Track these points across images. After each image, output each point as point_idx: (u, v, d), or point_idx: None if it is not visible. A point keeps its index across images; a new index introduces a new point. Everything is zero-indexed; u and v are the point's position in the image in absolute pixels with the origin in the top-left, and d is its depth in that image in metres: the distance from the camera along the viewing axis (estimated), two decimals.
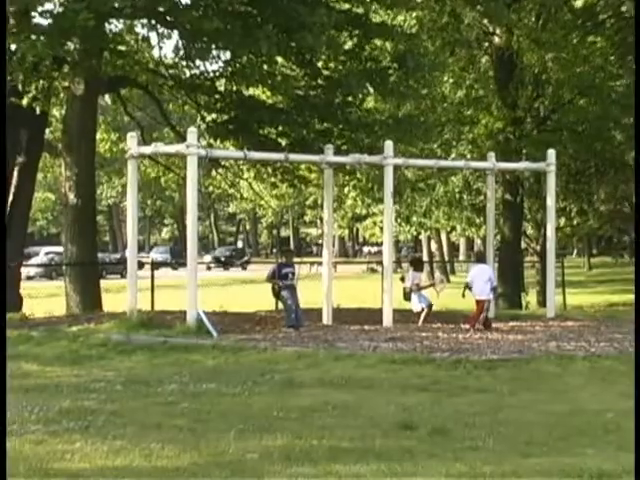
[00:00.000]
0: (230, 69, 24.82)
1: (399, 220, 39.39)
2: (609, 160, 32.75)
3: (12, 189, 24.13)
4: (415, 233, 50.08)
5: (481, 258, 21.87)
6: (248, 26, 21.27)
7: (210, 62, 25.05)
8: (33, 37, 20.39)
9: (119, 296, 23.51)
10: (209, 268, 71.27)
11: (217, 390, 12.03)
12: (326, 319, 21.12)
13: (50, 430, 9.41)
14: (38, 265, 58.57)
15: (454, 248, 72.71)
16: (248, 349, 16.07)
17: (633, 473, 7.69)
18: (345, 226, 68.62)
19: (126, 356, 15.44)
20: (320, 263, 22.31)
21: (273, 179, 28.46)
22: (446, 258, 61.54)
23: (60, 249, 31.28)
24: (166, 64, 26.82)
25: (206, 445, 8.79)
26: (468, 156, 30.89)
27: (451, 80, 32.24)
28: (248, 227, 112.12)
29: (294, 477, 7.59)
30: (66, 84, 23.59)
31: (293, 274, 20.45)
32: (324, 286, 21.58)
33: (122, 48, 24.61)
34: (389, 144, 20.90)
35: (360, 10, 24.55)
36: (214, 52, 23.67)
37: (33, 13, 21.52)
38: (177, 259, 61.18)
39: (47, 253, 64.76)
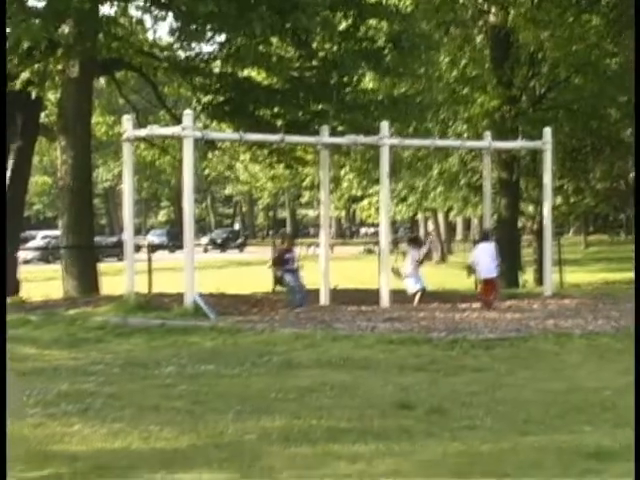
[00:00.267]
0: (225, 51, 24.76)
1: (395, 200, 39.37)
2: (605, 138, 32.72)
3: (8, 173, 24.11)
4: (412, 214, 50.04)
5: (485, 237, 21.82)
6: (242, 8, 21.20)
7: (205, 44, 25.03)
8: (28, 20, 20.34)
9: (116, 279, 23.50)
10: (206, 250, 71.23)
11: (215, 372, 12.05)
12: (323, 300, 21.13)
13: (48, 413, 9.43)
14: (35, 249, 58.49)
15: (451, 228, 72.69)
16: (246, 331, 16.08)
17: (630, 449, 7.71)
18: (342, 207, 68.47)
19: (124, 339, 15.45)
20: (317, 244, 22.32)
21: (269, 161, 28.44)
22: (443, 238, 61.53)
23: (57, 233, 31.27)
24: (161, 46, 26.77)
25: (204, 427, 8.80)
26: (464, 136, 30.85)
27: (446, 59, 32.16)
28: (244, 209, 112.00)
29: (292, 458, 7.60)
30: (61, 67, 23.53)
31: (294, 259, 20.67)
32: (321, 267, 21.59)
33: (117, 31, 24.53)
34: (385, 125, 20.88)
35: None
36: (209, 34, 23.61)
37: None
38: (174, 242, 61.17)
39: (44, 237, 64.66)
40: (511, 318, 17.95)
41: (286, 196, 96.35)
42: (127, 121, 20.60)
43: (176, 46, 25.62)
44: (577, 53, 30.49)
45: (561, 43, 30.14)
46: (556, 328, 16.21)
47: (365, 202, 49.66)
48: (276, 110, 25.35)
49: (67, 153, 23.55)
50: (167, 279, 25.03)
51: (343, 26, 24.75)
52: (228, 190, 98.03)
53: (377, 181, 24.82)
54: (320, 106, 25.07)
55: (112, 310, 18.68)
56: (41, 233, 67.17)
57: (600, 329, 16.12)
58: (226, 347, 14.47)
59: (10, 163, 24.21)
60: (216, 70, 25.76)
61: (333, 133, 22.28)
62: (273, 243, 21.83)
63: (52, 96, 27.15)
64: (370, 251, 56.24)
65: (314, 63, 24.61)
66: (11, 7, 20.27)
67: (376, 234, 34.66)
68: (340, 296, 21.71)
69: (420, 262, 21.52)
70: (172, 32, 24.47)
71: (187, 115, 19.37)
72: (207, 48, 25.77)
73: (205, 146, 26.41)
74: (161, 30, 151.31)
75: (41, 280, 31.06)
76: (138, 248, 26.99)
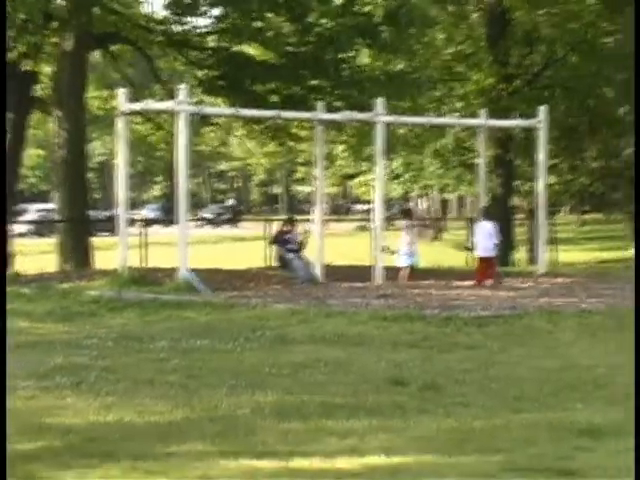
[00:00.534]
0: (220, 25, 24.68)
1: (390, 178, 39.35)
2: (601, 116, 32.69)
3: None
4: (406, 191, 50.04)
5: (485, 215, 21.84)
6: None
7: (201, 18, 24.93)
8: None
9: (110, 253, 23.47)
10: (201, 225, 71.16)
11: (209, 346, 12.06)
12: (318, 276, 21.15)
13: (42, 386, 9.44)
14: (29, 222, 58.36)
15: (445, 206, 72.70)
16: (240, 306, 16.09)
17: (622, 427, 7.75)
18: (336, 184, 68.50)
19: (117, 313, 15.44)
20: (309, 221, 22.37)
21: (264, 137, 28.41)
22: (437, 215, 61.61)
23: (51, 206, 31.24)
24: (156, 20, 26.65)
25: (198, 401, 8.82)
26: (459, 113, 30.83)
27: (442, 37, 32.10)
28: (239, 185, 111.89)
29: (285, 433, 7.62)
30: (56, 40, 23.43)
31: (295, 241, 20.82)
32: (316, 244, 21.60)
33: (112, 4, 24.43)
34: (380, 101, 20.84)
35: None
36: (203, 8, 23.53)
37: None
38: (169, 216, 61.07)
39: (38, 210, 64.53)
40: (504, 296, 17.98)
41: (281, 172, 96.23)
42: (122, 95, 20.54)
43: (172, 20, 25.53)
44: (573, 31, 30.45)
45: (557, 22, 30.09)
46: (549, 306, 16.24)
47: (359, 179, 49.69)
48: (272, 86, 25.29)
49: (61, 126, 23.50)
50: (161, 254, 25.01)
51: (339, 1, 24.66)
52: (223, 166, 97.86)
53: (370, 158, 24.80)
54: (316, 82, 25.02)
55: (106, 284, 18.69)
56: (35, 206, 67.02)
57: (593, 307, 16.15)
58: (220, 322, 14.46)
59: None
60: (211, 45, 25.69)
61: (329, 109, 22.24)
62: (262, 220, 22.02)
63: (47, 69, 27.06)
64: (364, 228, 56.28)
65: (310, 39, 24.53)
66: None
67: (370, 211, 34.67)
68: (334, 272, 21.74)
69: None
70: (167, 6, 24.40)
71: (182, 90, 19.33)
72: (202, 22, 25.63)
73: (200, 121, 26.35)
74: (156, 4, 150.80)
75: (35, 253, 31.01)
76: (132, 222, 26.98)
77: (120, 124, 20.46)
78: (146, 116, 28.18)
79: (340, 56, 24.95)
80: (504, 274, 21.58)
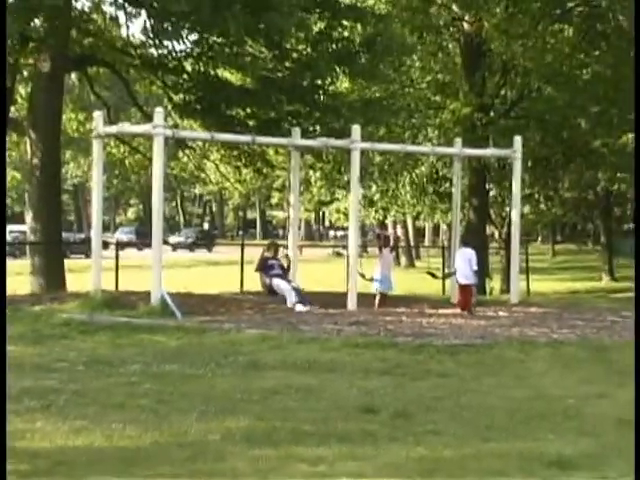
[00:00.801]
0: (198, 50, 24.71)
1: (364, 204, 39.41)
2: (575, 148, 32.90)
3: None
4: (381, 218, 50.11)
5: (465, 242, 21.94)
6: (216, 7, 21.17)
7: (178, 42, 24.95)
8: None
9: (83, 276, 23.39)
10: (174, 249, 71.06)
11: (180, 371, 12.00)
12: (289, 302, 21.10)
13: (11, 409, 9.34)
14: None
15: (420, 234, 72.90)
16: (212, 330, 16.04)
17: (591, 458, 7.76)
18: (311, 209, 68.54)
19: (89, 336, 15.35)
20: (286, 246, 22.36)
21: (238, 164, 28.41)
22: (412, 243, 61.74)
23: (24, 228, 31.07)
24: (134, 44, 26.66)
25: (168, 426, 8.77)
26: (435, 142, 30.96)
27: (419, 65, 32.28)
28: (214, 209, 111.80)
29: (255, 459, 7.59)
30: (32, 61, 23.39)
31: (280, 266, 20.75)
32: (290, 269, 21.58)
33: (90, 27, 24.43)
34: (356, 128, 20.90)
35: None
36: (182, 32, 23.55)
37: None
38: (142, 240, 60.94)
39: (11, 232, 64.21)
40: (477, 325, 18.01)
41: (256, 197, 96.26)
42: (98, 118, 20.52)
43: (149, 44, 25.55)
44: (549, 64, 30.65)
45: (533, 54, 30.29)
46: (521, 336, 16.27)
47: (334, 206, 49.74)
48: (248, 110, 25.33)
49: (36, 148, 23.41)
50: (135, 277, 24.95)
51: (317, 28, 24.76)
52: (198, 190, 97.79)
53: (347, 185, 24.86)
54: (292, 107, 25.07)
55: (78, 307, 18.58)
56: (9, 227, 66.65)
57: (565, 338, 16.21)
58: (192, 347, 14.41)
59: None
60: (188, 69, 25.70)
61: (305, 134, 22.29)
62: (242, 241, 21.87)
63: (22, 90, 26.99)
64: (339, 254, 56.34)
65: (287, 64, 24.60)
66: None
67: (345, 237, 34.68)
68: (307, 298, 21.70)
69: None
70: (145, 30, 24.42)
71: (158, 113, 19.33)
72: (180, 46, 25.65)
73: (176, 145, 26.35)
74: (134, 27, 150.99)
75: (8, 275, 30.79)
76: (106, 245, 26.88)
77: (96, 147, 20.42)
78: (122, 139, 28.14)
79: (317, 82, 25.02)
80: (478, 303, 21.62)
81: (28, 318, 17.11)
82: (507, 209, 32.95)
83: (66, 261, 25.40)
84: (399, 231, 60.21)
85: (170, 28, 22.50)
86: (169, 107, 26.16)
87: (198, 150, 30.45)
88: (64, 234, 31.55)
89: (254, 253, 24.77)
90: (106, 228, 57.38)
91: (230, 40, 23.10)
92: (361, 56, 24.29)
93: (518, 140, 23.10)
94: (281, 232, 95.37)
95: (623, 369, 12.95)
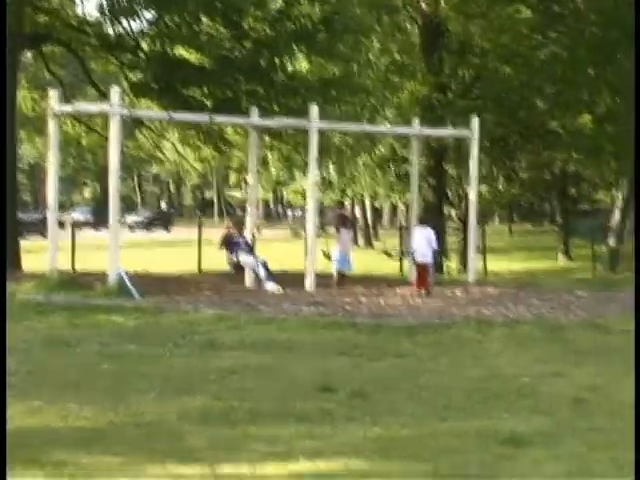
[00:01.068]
0: (155, 28, 24.53)
1: (323, 187, 39.37)
2: (532, 128, 33.04)
3: None
4: (339, 198, 50.15)
5: (422, 220, 21.96)
6: None
7: (134, 20, 24.73)
8: None
9: (40, 256, 23.21)
10: (132, 229, 70.72)
11: (138, 351, 11.98)
12: (249, 282, 21.11)
13: None
14: None
15: (378, 214, 73.01)
16: (170, 311, 16.02)
17: (544, 436, 7.84)
18: (269, 189, 68.42)
19: (45, 317, 15.27)
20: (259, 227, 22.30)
21: (197, 142, 28.28)
22: (369, 224, 61.82)
23: None
24: (89, 22, 26.40)
25: (125, 406, 8.75)
26: (393, 123, 30.97)
27: (377, 46, 32.24)
28: (172, 189, 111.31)
29: (212, 438, 7.59)
30: None
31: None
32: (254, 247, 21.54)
33: (45, 4, 24.16)
34: (314, 108, 20.89)
35: None
36: (138, 10, 23.36)
37: None
38: (99, 220, 60.49)
39: None
40: (434, 305, 18.11)
41: (214, 177, 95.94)
42: (53, 96, 20.33)
43: (105, 22, 25.30)
44: (506, 44, 30.73)
45: (490, 34, 30.36)
46: (478, 315, 16.39)
47: (292, 186, 49.71)
48: (205, 89, 25.19)
49: None
50: (91, 257, 24.81)
51: (275, 7, 24.67)
52: (155, 169, 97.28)
53: (305, 165, 24.84)
54: (250, 87, 24.97)
55: (34, 287, 18.47)
56: None
57: (521, 317, 16.35)
58: (149, 327, 14.38)
59: None
60: (145, 48, 25.50)
61: (264, 114, 22.23)
62: (197, 222, 21.70)
63: None
64: (297, 234, 56.34)
65: (245, 43, 24.48)
66: None
67: (303, 217, 34.66)
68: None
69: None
70: (101, 8, 24.19)
71: (114, 92, 19.19)
72: (136, 25, 25.40)
73: (133, 124, 26.18)
74: (90, 5, 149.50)
75: None
76: (62, 225, 26.71)
77: (51, 126, 20.24)
78: (78, 118, 27.91)
79: (275, 61, 24.92)
80: (435, 282, 21.71)
81: None
82: (464, 189, 33.06)
83: (22, 241, 25.21)
84: (357, 211, 60.37)
85: (126, 5, 22.29)
86: (126, 86, 25.95)
87: (155, 130, 30.26)
88: (20, 214, 31.27)
89: (212, 233, 24.75)
90: (62, 208, 56.93)
91: (187, 19, 22.94)
92: (319, 35, 24.23)
93: (475, 121, 23.20)
94: (239, 212, 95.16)
95: (579, 348, 13.09)
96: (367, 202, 60.08)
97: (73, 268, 23.68)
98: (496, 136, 32.06)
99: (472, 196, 23.71)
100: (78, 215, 71.01)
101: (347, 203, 56.44)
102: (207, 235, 26.48)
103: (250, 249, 20.63)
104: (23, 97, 30.10)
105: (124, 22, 24.80)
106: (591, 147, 31.50)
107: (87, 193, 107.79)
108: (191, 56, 26.77)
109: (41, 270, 20.53)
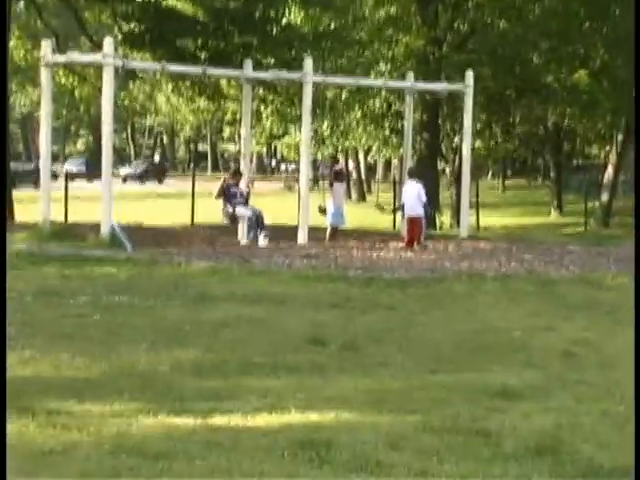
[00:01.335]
0: None
1: (316, 141, 39.20)
2: (527, 82, 32.93)
3: None
4: (332, 152, 49.99)
5: (412, 175, 21.86)
6: None
7: None
8: None
9: (32, 207, 23.18)
10: (125, 181, 70.50)
11: (130, 303, 11.99)
12: (241, 236, 21.11)
13: None
14: None
15: (371, 168, 72.83)
16: (162, 263, 16.03)
17: (535, 389, 7.88)
18: (263, 143, 68.13)
19: (38, 267, 15.28)
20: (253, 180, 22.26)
21: (190, 93, 28.16)
22: (363, 177, 61.71)
23: None
24: None
25: (117, 357, 8.78)
26: (387, 76, 30.84)
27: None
28: (165, 141, 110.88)
29: (204, 390, 7.62)
30: None
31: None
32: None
33: None
34: (309, 61, 20.79)
35: None
36: None
37: None
38: (92, 171, 60.26)
39: None
40: (426, 258, 18.15)
41: (208, 129, 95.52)
42: (46, 46, 20.19)
43: None
44: None
45: None
46: (470, 270, 16.43)
47: (286, 140, 49.44)
48: (199, 41, 25.04)
49: None
50: (84, 209, 24.78)
51: None
52: (149, 121, 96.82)
53: (299, 118, 24.76)
54: (244, 38, 24.82)
55: (27, 238, 18.47)
56: None
57: (513, 272, 16.39)
58: (142, 278, 14.39)
59: None
60: None
61: (258, 66, 22.11)
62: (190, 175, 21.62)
63: None
64: (290, 187, 56.28)
65: None
66: None
67: (297, 170, 34.57)
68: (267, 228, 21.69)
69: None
70: None
71: (108, 43, 19.07)
72: None
73: (126, 75, 26.02)
74: None
75: None
76: (55, 176, 26.64)
77: (44, 76, 20.13)
78: (71, 68, 27.74)
79: (269, 13, 24.77)
80: (428, 237, 21.75)
81: None
82: (458, 144, 33.00)
83: (14, 192, 25.16)
84: (350, 165, 60.25)
85: None
86: (119, 37, 25.78)
87: (149, 81, 30.11)
88: (12, 164, 31.17)
89: (205, 186, 24.71)
90: (55, 159, 56.75)
91: None
92: None
93: (470, 75, 23.12)
94: (233, 165, 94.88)
95: (570, 303, 13.15)
96: (361, 156, 59.92)
97: (66, 219, 23.66)
98: (491, 91, 31.98)
99: (465, 150, 23.68)
100: (71, 166, 70.75)
101: (340, 157, 56.36)
102: (200, 188, 26.44)
103: (246, 201, 20.57)
104: (15, 46, 29.82)
105: None
106: (587, 102, 31.43)
107: (80, 144, 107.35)
108: (185, 7, 26.58)
109: (34, 221, 20.52)
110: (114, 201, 19.76)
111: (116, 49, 20.50)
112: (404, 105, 25.25)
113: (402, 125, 26.82)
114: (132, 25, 25.74)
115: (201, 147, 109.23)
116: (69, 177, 27.99)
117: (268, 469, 5.66)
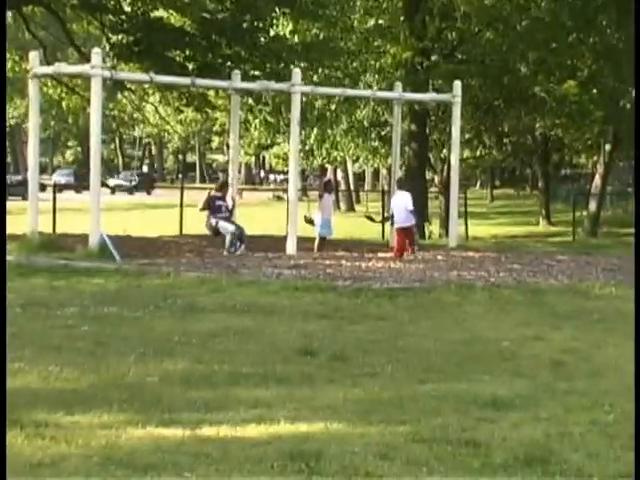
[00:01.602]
0: None
1: (305, 152, 39.22)
2: (515, 93, 33.02)
3: None
4: (321, 162, 50.06)
5: (401, 185, 21.85)
6: None
7: None
8: None
9: (21, 218, 23.14)
10: (113, 192, 70.46)
11: (118, 314, 11.96)
12: (226, 248, 21.07)
13: None
14: None
15: (360, 178, 72.94)
16: (151, 274, 16.00)
17: (525, 399, 7.88)
18: (252, 153, 68.19)
19: (26, 278, 15.23)
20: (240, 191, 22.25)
21: (178, 104, 28.16)
22: (352, 188, 61.80)
23: None
24: None
25: (106, 368, 8.75)
26: (376, 87, 30.90)
27: (361, 10, 32.11)
28: (154, 152, 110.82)
29: (193, 401, 7.60)
30: None
31: (227, 208, 20.44)
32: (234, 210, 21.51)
33: None
34: (297, 72, 20.81)
35: None
36: None
37: None
38: (81, 182, 60.24)
39: None
40: (415, 268, 18.14)
41: (196, 140, 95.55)
42: (34, 57, 20.18)
43: None
44: (488, 8, 30.64)
45: None
46: (459, 279, 16.43)
47: (274, 150, 49.57)
48: (187, 52, 25.05)
49: None
50: (73, 220, 24.75)
51: None
52: (137, 132, 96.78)
53: (287, 128, 24.79)
54: (232, 49, 24.84)
55: (15, 249, 18.41)
56: None
57: (502, 281, 16.39)
58: (130, 289, 14.36)
59: None
60: (127, 9, 25.31)
61: (246, 77, 22.12)
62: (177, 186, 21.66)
63: None
64: (279, 198, 56.30)
65: (227, 5, 24.34)
66: None
67: (285, 181, 34.60)
68: (247, 242, 21.69)
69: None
70: None
71: (96, 54, 19.07)
72: None
73: (114, 86, 26.02)
74: None
75: None
76: (43, 187, 26.60)
77: (32, 87, 20.12)
78: (59, 79, 27.72)
79: (257, 24, 24.79)
80: (416, 246, 21.75)
81: None
82: (447, 154, 33.05)
83: None
84: (339, 175, 60.35)
85: None
86: (107, 48, 25.78)
87: (137, 92, 30.10)
88: None
89: (194, 196, 24.68)
90: (43, 170, 56.69)
91: None
92: None
93: (458, 85, 23.16)
94: (221, 176, 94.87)
95: (558, 312, 13.16)
96: (349, 166, 60.00)
97: (54, 230, 23.61)
98: (479, 101, 32.07)
99: (454, 160, 23.72)
100: (59, 178, 70.69)
101: (329, 167, 56.45)
102: (188, 198, 26.42)
103: (230, 215, 20.58)
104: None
105: None
106: (575, 111, 31.52)
107: (68, 155, 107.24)
108: (173, 18, 26.60)
109: (22, 232, 20.48)
110: (103, 212, 19.74)
111: (104, 60, 20.49)
112: (392, 115, 25.28)
113: (390, 134, 26.85)
114: (120, 36, 25.72)
115: (190, 158, 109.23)
116: (57, 188, 27.96)
117: None
